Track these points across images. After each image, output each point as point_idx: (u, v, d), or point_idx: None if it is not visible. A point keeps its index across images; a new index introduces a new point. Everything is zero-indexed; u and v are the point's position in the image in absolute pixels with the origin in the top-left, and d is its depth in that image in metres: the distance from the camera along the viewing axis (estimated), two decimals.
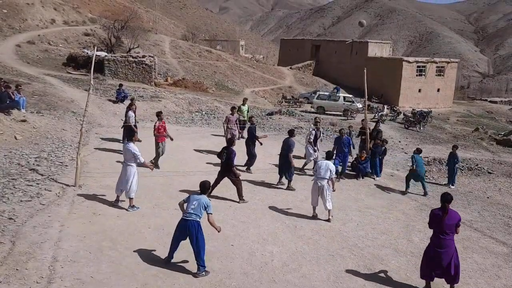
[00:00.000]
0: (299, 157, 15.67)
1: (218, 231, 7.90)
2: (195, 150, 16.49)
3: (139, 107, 18.78)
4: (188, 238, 7.63)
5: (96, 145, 15.61)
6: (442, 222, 7.35)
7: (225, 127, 16.30)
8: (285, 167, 12.80)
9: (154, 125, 13.79)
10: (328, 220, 10.50)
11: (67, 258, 7.74)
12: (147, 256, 8.08)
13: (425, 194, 13.56)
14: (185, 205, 7.77)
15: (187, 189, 11.76)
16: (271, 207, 11.22)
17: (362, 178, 14.63)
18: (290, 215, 10.80)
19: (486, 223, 11.48)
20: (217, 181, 11.47)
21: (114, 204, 10.35)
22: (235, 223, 10.00)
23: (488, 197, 14.37)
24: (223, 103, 27.98)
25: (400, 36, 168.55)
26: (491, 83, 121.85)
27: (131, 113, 14.84)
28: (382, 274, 8.21)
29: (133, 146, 10.25)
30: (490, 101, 61.95)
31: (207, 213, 7.69)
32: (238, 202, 11.33)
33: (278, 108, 29.99)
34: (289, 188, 12.74)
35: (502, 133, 30.38)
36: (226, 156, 11.36)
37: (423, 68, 46.58)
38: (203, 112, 24.50)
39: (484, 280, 8.30)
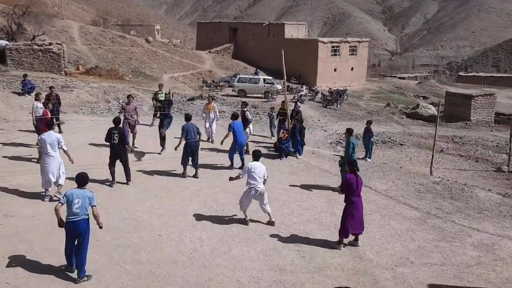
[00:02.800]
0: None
1: (100, 227, 7.15)
2: None
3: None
4: (77, 239, 6.96)
5: (3, 141, 14.42)
6: (357, 185, 8.32)
7: (122, 118, 14.55)
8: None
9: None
10: (272, 223, 9.52)
11: None
12: None
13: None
14: (65, 206, 6.90)
15: (106, 179, 11.29)
16: (197, 193, 11.11)
17: (285, 157, 14.96)
18: (217, 199, 10.78)
19: (400, 191, 12.29)
20: (113, 166, 11.13)
21: (44, 199, 9.89)
22: (162, 212, 9.79)
23: (400, 167, 15.37)
24: (141, 90, 27.07)
25: (314, 18, 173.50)
26: (399, 60, 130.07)
27: (36, 103, 13.79)
28: (309, 248, 8.50)
29: (55, 134, 9.96)
30: (399, 77, 66.24)
31: (91, 206, 7.01)
32: (127, 184, 11.30)
33: (199, 93, 29.64)
34: (195, 175, 12.29)
35: (411, 107, 32.62)
36: (118, 136, 10.89)
37: (337, 48, 48.35)
38: (121, 101, 23.54)
39: (401, 244, 8.91)
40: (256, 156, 9.49)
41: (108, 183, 11.16)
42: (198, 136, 12.22)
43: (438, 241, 9.08)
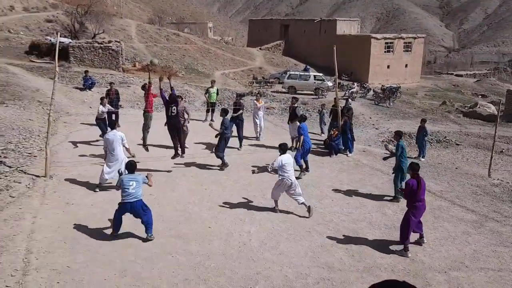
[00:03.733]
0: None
1: (150, 185, 8.36)
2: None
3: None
4: (134, 216, 8.03)
5: (65, 134, 15.25)
6: (419, 190, 8.04)
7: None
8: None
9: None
10: (309, 210, 9.70)
11: (41, 249, 7.61)
12: (124, 243, 8.03)
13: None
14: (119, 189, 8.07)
15: (159, 170, 11.67)
16: (246, 188, 11.26)
17: (335, 155, 14.81)
18: (265, 194, 10.84)
19: (456, 193, 11.84)
20: (175, 142, 11.93)
21: (96, 190, 10.42)
22: (212, 206, 10.00)
23: (456, 168, 14.80)
24: (193, 86, 27.66)
25: (367, 13, 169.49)
26: (456, 57, 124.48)
27: (101, 108, 14.41)
28: (358, 247, 8.40)
29: (119, 133, 10.53)
30: (456, 75, 63.36)
31: (144, 183, 8.08)
32: (182, 156, 12.15)
33: (249, 90, 29.86)
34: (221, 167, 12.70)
35: (468, 106, 31.23)
36: (176, 109, 11.62)
37: (391, 45, 47.05)
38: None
39: (455, 247, 8.60)
40: (284, 149, 9.72)
41: (177, 156, 12.10)
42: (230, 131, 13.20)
43: (496, 246, 8.69)
